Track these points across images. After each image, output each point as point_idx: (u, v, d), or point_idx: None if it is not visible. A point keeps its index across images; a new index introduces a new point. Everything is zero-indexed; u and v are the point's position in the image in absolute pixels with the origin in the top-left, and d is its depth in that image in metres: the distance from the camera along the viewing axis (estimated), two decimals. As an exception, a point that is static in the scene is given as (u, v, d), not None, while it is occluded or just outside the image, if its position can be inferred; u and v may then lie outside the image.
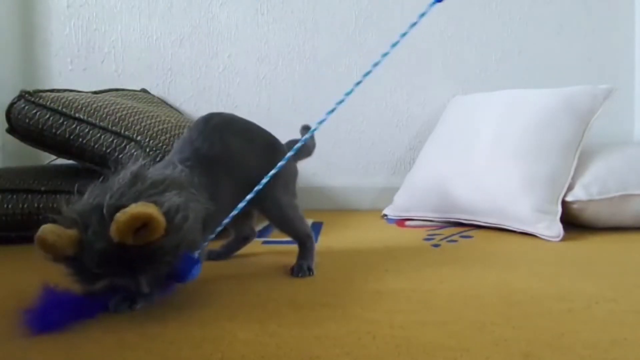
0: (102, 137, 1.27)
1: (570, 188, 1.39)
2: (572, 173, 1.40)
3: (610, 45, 1.94)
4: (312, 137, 1.20)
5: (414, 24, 0.87)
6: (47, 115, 1.28)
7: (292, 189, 1.05)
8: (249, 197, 0.84)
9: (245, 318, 0.72)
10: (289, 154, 0.89)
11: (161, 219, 0.67)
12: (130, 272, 0.70)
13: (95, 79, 1.83)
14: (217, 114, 0.98)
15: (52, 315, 0.69)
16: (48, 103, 1.30)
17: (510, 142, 1.45)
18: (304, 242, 1.01)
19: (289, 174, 1.04)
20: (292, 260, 1.00)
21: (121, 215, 0.64)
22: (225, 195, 0.87)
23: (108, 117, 1.31)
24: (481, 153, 1.48)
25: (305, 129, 1.21)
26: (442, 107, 1.84)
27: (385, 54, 0.86)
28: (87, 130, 1.28)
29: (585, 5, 1.93)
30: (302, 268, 0.96)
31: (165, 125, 1.39)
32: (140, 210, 0.65)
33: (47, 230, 0.67)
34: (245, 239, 1.13)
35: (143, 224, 0.65)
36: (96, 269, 0.69)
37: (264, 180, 0.85)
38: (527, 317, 0.72)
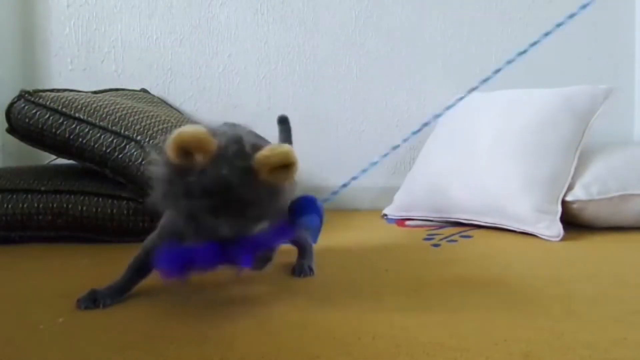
0: (102, 137, 1.27)
1: (570, 188, 1.39)
2: (572, 173, 1.40)
3: (610, 45, 1.94)
4: (291, 139, 1.22)
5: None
6: (47, 115, 1.28)
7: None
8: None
9: (245, 318, 0.72)
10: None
11: (298, 166, 0.67)
12: (240, 212, 0.67)
13: (95, 79, 1.83)
14: (229, 123, 0.99)
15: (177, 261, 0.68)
16: (48, 103, 1.30)
17: (510, 142, 1.45)
18: (302, 244, 1.02)
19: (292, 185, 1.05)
20: (292, 260, 1.00)
21: (276, 149, 0.65)
22: None
23: (108, 116, 1.31)
24: (481, 153, 1.48)
25: (282, 121, 1.23)
26: (442, 107, 1.83)
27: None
28: (86, 130, 1.28)
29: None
30: (303, 268, 0.96)
31: (165, 125, 1.39)
32: (291, 152, 0.66)
33: (191, 128, 0.65)
34: None
35: (284, 166, 0.66)
36: (216, 190, 0.65)
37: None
38: (527, 317, 0.72)
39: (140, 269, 0.83)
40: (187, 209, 0.68)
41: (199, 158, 0.66)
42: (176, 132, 0.65)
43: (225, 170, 0.66)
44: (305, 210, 0.79)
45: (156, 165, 0.70)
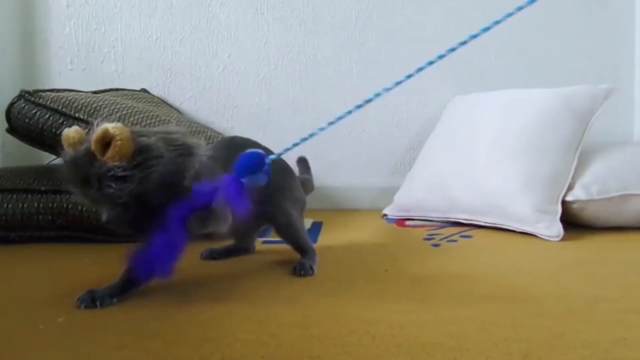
0: (102, 137, 1.27)
1: (570, 188, 1.39)
2: (572, 173, 1.40)
3: (610, 45, 1.94)
4: (311, 174, 1.30)
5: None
6: (47, 115, 1.28)
7: (300, 211, 1.08)
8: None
9: (245, 318, 0.72)
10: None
11: (125, 143, 0.73)
12: (98, 186, 0.75)
13: (95, 78, 1.83)
14: (239, 137, 1.07)
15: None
16: (48, 103, 1.30)
17: (510, 142, 1.45)
18: (307, 251, 1.02)
19: (299, 196, 1.09)
20: (292, 260, 1.00)
21: (98, 129, 0.74)
22: None
23: (108, 116, 1.31)
24: (481, 153, 1.48)
25: (301, 161, 1.31)
26: (442, 107, 1.84)
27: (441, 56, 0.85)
28: (87, 130, 1.28)
29: (585, 5, 1.93)
30: (304, 266, 0.96)
31: (165, 125, 1.39)
32: (108, 129, 0.73)
33: (72, 129, 0.77)
34: (245, 250, 1.14)
35: (108, 143, 0.73)
36: (70, 175, 0.77)
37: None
38: (527, 317, 0.72)
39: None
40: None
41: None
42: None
43: (69, 156, 0.76)
44: (250, 168, 0.81)
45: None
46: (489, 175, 1.44)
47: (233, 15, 1.88)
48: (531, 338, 0.64)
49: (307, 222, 1.15)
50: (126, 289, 0.82)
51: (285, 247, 1.04)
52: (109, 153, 0.73)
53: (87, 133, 0.78)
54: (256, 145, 1.04)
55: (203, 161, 0.81)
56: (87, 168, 0.74)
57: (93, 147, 0.73)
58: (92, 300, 0.77)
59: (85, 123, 1.29)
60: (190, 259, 1.12)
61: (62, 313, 0.74)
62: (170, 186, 0.77)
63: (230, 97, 1.88)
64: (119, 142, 0.72)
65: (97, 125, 0.75)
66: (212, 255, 1.10)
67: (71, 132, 0.77)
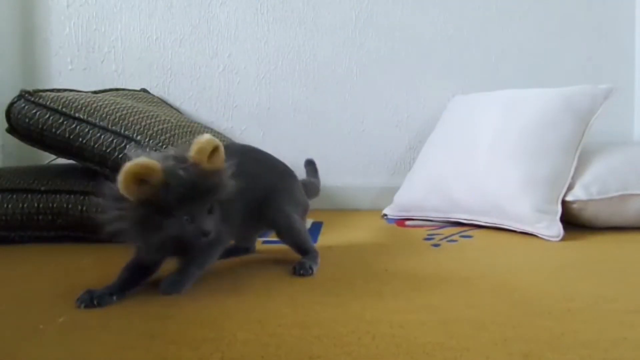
0: (102, 136, 1.27)
1: (570, 188, 1.39)
2: (572, 173, 1.40)
3: (610, 45, 1.94)
4: (318, 177, 1.30)
5: None
6: (47, 115, 1.28)
7: (302, 214, 1.08)
8: None
9: (245, 318, 0.72)
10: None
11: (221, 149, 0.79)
12: (205, 201, 0.78)
13: (95, 78, 1.83)
14: (238, 143, 1.11)
15: None
16: (48, 103, 1.30)
17: (510, 142, 1.45)
18: (308, 252, 1.02)
19: (301, 198, 1.08)
20: (292, 260, 1.00)
21: (200, 138, 0.77)
22: (236, 211, 0.91)
23: (108, 116, 1.31)
24: (481, 153, 1.48)
25: (309, 164, 1.32)
26: (442, 107, 1.84)
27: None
28: (87, 130, 1.28)
29: (585, 5, 1.93)
30: (304, 266, 0.96)
31: (165, 125, 1.39)
32: (211, 139, 0.77)
33: (139, 161, 0.73)
34: (245, 250, 1.14)
35: (214, 149, 0.78)
36: (186, 191, 0.75)
37: None
38: (527, 317, 0.72)
39: (133, 272, 0.85)
40: (171, 228, 0.77)
41: (151, 183, 0.74)
42: (124, 168, 0.72)
43: (182, 173, 0.75)
44: None
45: (117, 213, 0.76)
46: (489, 175, 1.44)
47: (233, 15, 1.88)
48: (531, 338, 0.64)
49: (307, 222, 1.15)
50: (126, 287, 0.82)
51: (285, 247, 1.04)
52: (217, 161, 0.78)
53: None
54: (264, 156, 1.05)
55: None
56: (204, 179, 0.77)
57: (201, 157, 0.76)
58: (91, 299, 0.77)
59: (86, 123, 1.29)
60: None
61: (62, 313, 0.74)
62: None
63: (230, 96, 1.88)
64: (221, 149, 0.78)
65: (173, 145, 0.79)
66: None
67: (139, 165, 0.73)
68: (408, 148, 1.93)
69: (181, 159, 0.77)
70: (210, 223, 0.79)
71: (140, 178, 0.72)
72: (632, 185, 1.38)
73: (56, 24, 1.84)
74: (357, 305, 0.78)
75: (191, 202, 0.77)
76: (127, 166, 0.72)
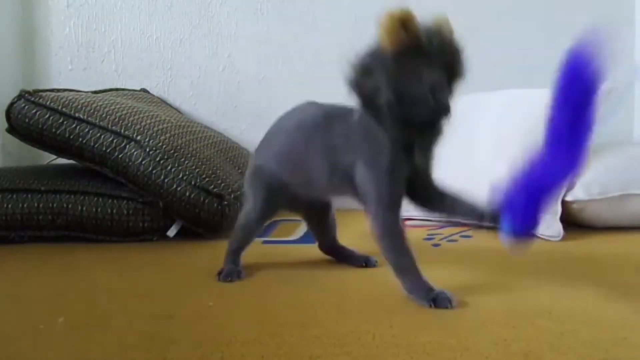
0: (102, 136, 1.27)
1: (570, 188, 1.39)
2: (572, 173, 1.39)
3: (610, 45, 1.94)
4: None
5: None
6: (47, 115, 1.28)
7: None
8: None
9: (245, 318, 0.72)
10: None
11: None
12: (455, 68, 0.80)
13: (95, 78, 1.83)
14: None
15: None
16: (48, 103, 1.30)
17: (510, 142, 1.45)
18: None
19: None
20: (292, 259, 0.99)
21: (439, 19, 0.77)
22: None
23: (108, 116, 1.31)
24: (481, 153, 1.48)
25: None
26: (442, 107, 1.83)
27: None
28: (87, 130, 1.28)
29: (585, 5, 1.93)
30: (369, 260, 0.99)
31: (165, 125, 1.39)
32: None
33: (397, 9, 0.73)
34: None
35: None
36: (442, 44, 0.77)
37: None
38: (527, 317, 0.72)
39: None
40: (430, 77, 0.77)
41: (412, 30, 0.74)
42: (387, 16, 0.74)
43: (448, 34, 0.78)
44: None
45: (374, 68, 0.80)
46: (489, 175, 1.43)
47: (233, 15, 1.88)
48: (531, 338, 0.64)
49: (304, 225, 1.15)
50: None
51: (285, 247, 1.04)
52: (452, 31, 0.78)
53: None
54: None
55: None
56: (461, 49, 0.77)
57: (449, 29, 0.78)
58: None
59: (86, 123, 1.29)
60: (190, 259, 1.12)
61: (62, 313, 0.74)
62: None
63: (230, 96, 1.88)
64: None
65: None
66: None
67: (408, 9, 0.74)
68: (408, 148, 1.93)
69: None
70: (449, 101, 0.77)
71: (403, 24, 0.73)
72: (632, 185, 1.38)
73: (56, 24, 1.84)
74: (357, 306, 0.78)
75: (447, 56, 0.78)
76: (390, 13, 0.72)
